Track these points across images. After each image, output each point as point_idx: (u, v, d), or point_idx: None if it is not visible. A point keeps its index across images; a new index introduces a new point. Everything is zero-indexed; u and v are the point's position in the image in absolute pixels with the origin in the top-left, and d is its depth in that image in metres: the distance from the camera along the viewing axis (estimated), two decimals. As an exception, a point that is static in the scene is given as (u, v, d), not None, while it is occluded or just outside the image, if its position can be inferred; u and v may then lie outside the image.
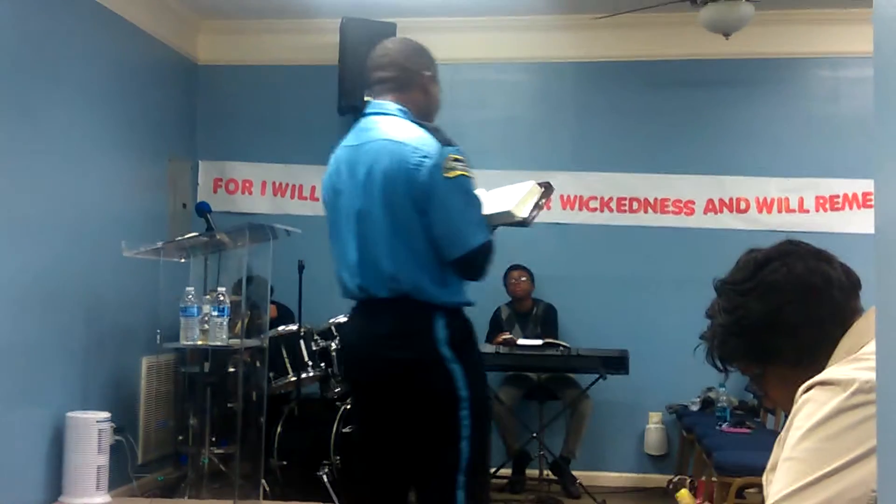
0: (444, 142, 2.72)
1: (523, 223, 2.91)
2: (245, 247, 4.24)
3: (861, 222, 5.95)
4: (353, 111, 6.37)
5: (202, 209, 5.19)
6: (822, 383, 1.37)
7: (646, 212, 6.37)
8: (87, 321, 5.20)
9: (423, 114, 2.90)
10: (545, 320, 6.16)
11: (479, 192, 2.78)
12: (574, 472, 5.90)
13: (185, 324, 4.25)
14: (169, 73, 6.31)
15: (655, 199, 6.38)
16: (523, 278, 6.15)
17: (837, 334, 1.51)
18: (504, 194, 2.99)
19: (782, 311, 1.56)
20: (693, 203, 6.34)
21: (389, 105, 2.84)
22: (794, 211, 6.22)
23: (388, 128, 2.77)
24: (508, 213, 2.89)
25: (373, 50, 2.99)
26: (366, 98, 3.03)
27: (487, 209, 2.80)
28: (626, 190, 6.39)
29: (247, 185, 6.67)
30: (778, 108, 6.32)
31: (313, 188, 6.62)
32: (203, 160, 6.69)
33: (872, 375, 1.29)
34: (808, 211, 6.21)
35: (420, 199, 2.63)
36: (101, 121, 5.39)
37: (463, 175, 2.66)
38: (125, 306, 5.50)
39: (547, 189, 3.03)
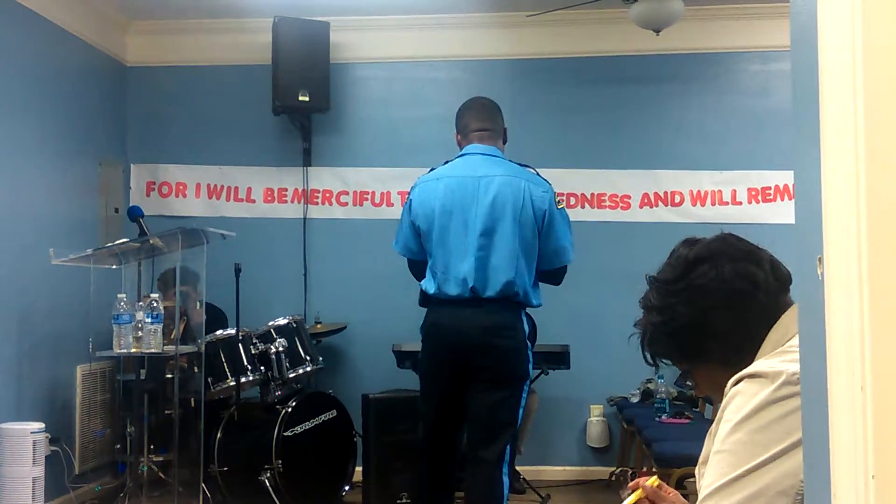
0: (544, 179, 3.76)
1: None
2: (178, 251, 4.18)
3: (792, 213, 6.03)
4: (287, 111, 6.33)
5: (134, 213, 5.10)
6: (750, 376, 1.40)
7: (583, 207, 6.41)
8: (19, 330, 5.08)
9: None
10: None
11: None
12: (518, 468, 5.92)
13: (117, 331, 4.17)
14: (97, 76, 6.19)
15: (592, 194, 6.43)
16: None
17: (764, 334, 1.53)
18: None
19: (710, 315, 1.59)
20: (629, 197, 6.40)
21: (495, 149, 3.79)
22: (727, 203, 6.32)
23: (504, 166, 3.73)
24: None
25: (471, 103, 3.96)
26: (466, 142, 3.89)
27: None
28: (562, 185, 6.40)
29: (181, 187, 6.57)
30: (709, 102, 6.41)
31: (249, 189, 6.55)
32: (135, 163, 6.57)
33: (797, 367, 1.33)
34: (740, 203, 6.31)
35: (541, 222, 3.62)
36: (28, 126, 5.27)
37: (563, 207, 3.72)
38: (57, 314, 5.38)
39: None
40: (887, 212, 0.84)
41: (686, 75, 6.40)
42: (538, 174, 3.79)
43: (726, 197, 6.33)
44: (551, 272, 3.75)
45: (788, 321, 1.53)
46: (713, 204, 6.33)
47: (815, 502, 0.95)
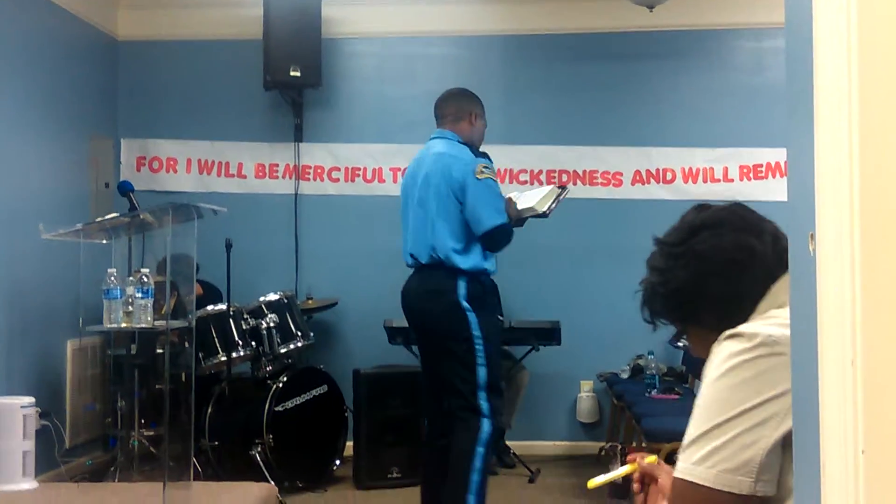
0: (479, 155, 4.00)
1: (544, 215, 4.02)
2: (169, 226, 4.16)
3: (784, 190, 6.04)
4: (278, 86, 6.29)
5: (125, 188, 5.07)
6: (731, 336, 1.48)
7: (575, 184, 6.40)
8: (9, 305, 5.07)
9: (467, 142, 4.07)
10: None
11: (514, 194, 4.10)
12: (508, 443, 5.95)
13: (108, 306, 4.15)
14: (88, 50, 6.14)
15: (584, 171, 6.42)
16: None
17: (755, 303, 1.58)
18: (531, 195, 4.11)
19: (705, 281, 1.64)
20: (621, 174, 6.40)
21: (447, 132, 4.09)
22: (718, 181, 6.32)
23: (442, 146, 4.04)
24: (533, 209, 4.01)
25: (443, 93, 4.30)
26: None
27: (521, 206, 4.00)
28: (555, 162, 6.42)
29: (171, 162, 6.54)
30: (702, 79, 6.40)
31: (240, 165, 6.52)
32: (125, 138, 6.53)
33: (776, 331, 1.43)
34: (732, 180, 6.32)
35: (458, 191, 3.87)
36: (18, 100, 5.23)
37: (488, 177, 3.89)
38: (47, 289, 5.37)
39: (563, 189, 4.22)
40: (880, 188, 0.84)
41: (679, 52, 6.39)
42: (476, 152, 4.04)
43: (718, 174, 6.33)
44: (481, 238, 3.91)
45: (776, 291, 1.58)
46: (705, 181, 6.33)
47: (805, 477, 0.96)
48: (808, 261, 0.92)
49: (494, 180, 3.95)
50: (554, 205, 4.08)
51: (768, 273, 1.61)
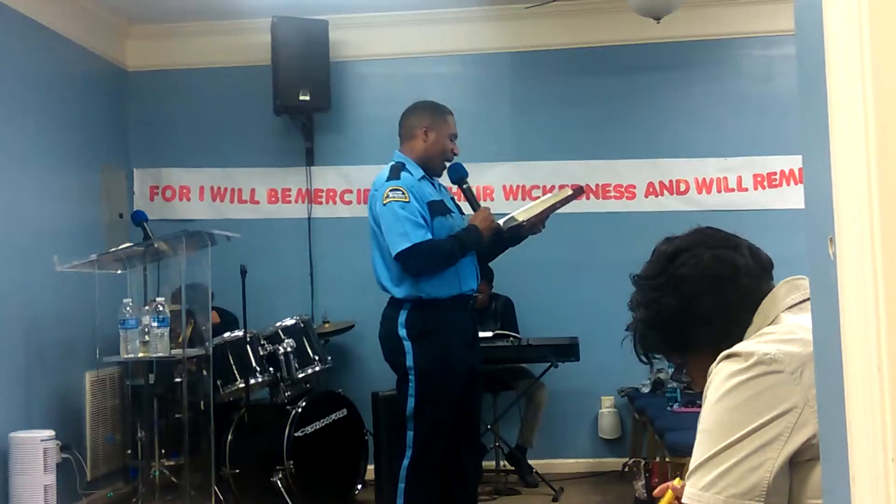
0: (394, 177, 3.75)
1: (521, 225, 3.81)
2: (183, 254, 4.16)
3: (798, 198, 6.01)
4: (288, 111, 6.31)
5: (138, 218, 5.10)
6: (728, 356, 1.47)
7: (588, 198, 6.38)
8: (26, 338, 5.08)
9: (421, 160, 3.87)
10: (504, 315, 6.14)
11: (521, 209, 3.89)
12: (530, 461, 5.91)
13: (124, 336, 4.16)
14: (98, 82, 6.18)
15: (597, 185, 6.41)
16: (481, 294, 5.97)
17: (750, 318, 1.59)
18: (531, 206, 3.92)
19: (695, 302, 1.63)
20: (634, 187, 6.38)
21: (395, 153, 3.92)
22: (732, 190, 6.29)
23: (380, 173, 3.86)
24: (513, 218, 3.83)
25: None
26: None
27: (518, 217, 3.82)
28: (567, 177, 6.39)
29: (184, 191, 6.57)
30: (712, 88, 6.38)
31: (253, 191, 6.54)
32: (137, 168, 6.57)
33: (772, 348, 1.43)
34: (746, 189, 6.28)
35: (375, 220, 3.75)
36: (29, 133, 5.27)
37: (394, 201, 3.67)
38: (64, 321, 5.38)
39: (576, 191, 4.01)
40: (900, 188, 0.82)
41: (688, 62, 6.37)
42: (392, 172, 3.80)
43: (732, 183, 6.30)
44: (399, 264, 3.72)
45: (767, 306, 1.58)
46: (719, 191, 6.30)
47: (834, 487, 0.93)
48: (828, 265, 0.90)
49: (403, 202, 3.69)
50: (548, 210, 3.88)
51: (755, 285, 1.61)
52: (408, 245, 3.63)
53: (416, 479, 3.72)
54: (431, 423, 3.73)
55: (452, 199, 4.03)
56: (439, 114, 3.95)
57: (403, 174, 3.77)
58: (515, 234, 3.89)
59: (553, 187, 6.39)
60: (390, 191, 3.71)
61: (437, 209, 3.79)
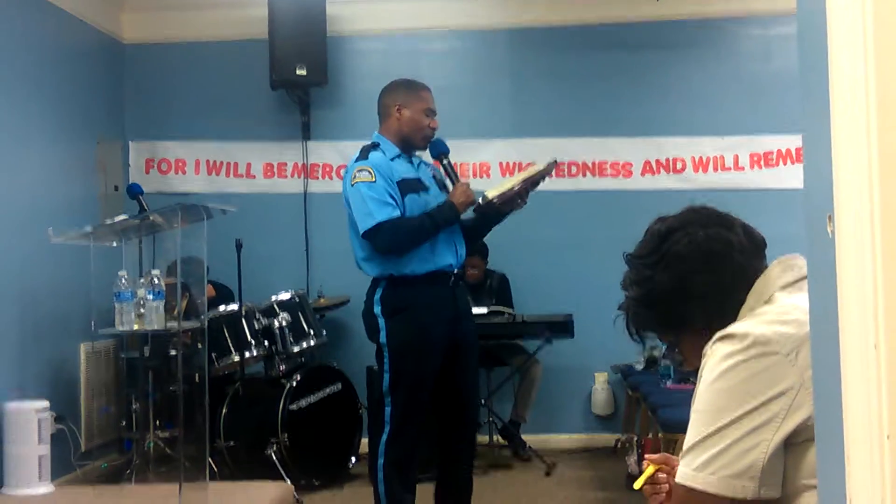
0: (363, 157, 3.78)
1: (492, 202, 3.75)
2: (178, 228, 4.16)
3: (794, 178, 6.03)
4: (285, 85, 6.29)
5: (134, 191, 5.08)
6: (723, 337, 1.48)
7: (584, 175, 6.39)
8: (21, 310, 5.07)
9: (399, 138, 3.86)
10: (500, 292, 6.15)
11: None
12: (523, 437, 5.94)
13: (119, 309, 4.15)
14: (94, 54, 6.14)
15: (593, 163, 6.40)
16: (475, 270, 6.01)
17: (743, 296, 1.58)
18: (507, 180, 4.01)
19: (688, 279, 1.63)
20: (630, 165, 6.38)
21: (374, 134, 3.92)
22: (729, 169, 6.29)
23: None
24: (483, 196, 3.78)
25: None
26: None
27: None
28: (564, 154, 6.38)
29: (180, 164, 6.55)
30: (711, 68, 6.37)
31: (249, 165, 6.52)
32: (133, 141, 6.54)
33: (767, 329, 1.43)
34: (742, 168, 6.28)
35: (346, 201, 3.81)
36: (25, 106, 5.24)
37: (360, 181, 3.71)
38: (59, 293, 5.38)
39: (549, 165, 3.87)
40: (900, 167, 0.83)
41: (687, 41, 6.35)
42: (362, 152, 3.84)
43: (728, 163, 6.30)
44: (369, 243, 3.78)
45: (761, 286, 1.58)
46: (715, 170, 6.30)
47: (829, 465, 0.94)
48: (826, 243, 0.91)
49: (369, 182, 3.71)
50: (522, 186, 3.77)
51: (748, 262, 1.61)
52: (373, 224, 3.67)
53: (394, 455, 3.73)
54: (406, 399, 3.75)
55: (436, 176, 3.98)
56: (412, 90, 3.94)
57: (373, 154, 3.79)
58: (495, 210, 3.85)
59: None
60: (357, 171, 3.75)
61: (409, 187, 3.77)
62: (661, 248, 1.65)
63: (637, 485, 1.82)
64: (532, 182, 3.82)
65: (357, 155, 3.85)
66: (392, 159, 3.81)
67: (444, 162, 3.92)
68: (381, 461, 3.74)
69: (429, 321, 3.74)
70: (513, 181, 3.81)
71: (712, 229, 1.63)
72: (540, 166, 3.85)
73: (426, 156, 4.04)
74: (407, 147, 3.87)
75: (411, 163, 3.89)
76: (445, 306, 3.79)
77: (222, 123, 6.51)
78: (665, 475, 1.71)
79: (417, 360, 3.75)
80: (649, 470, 1.76)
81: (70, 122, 5.74)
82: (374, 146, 3.85)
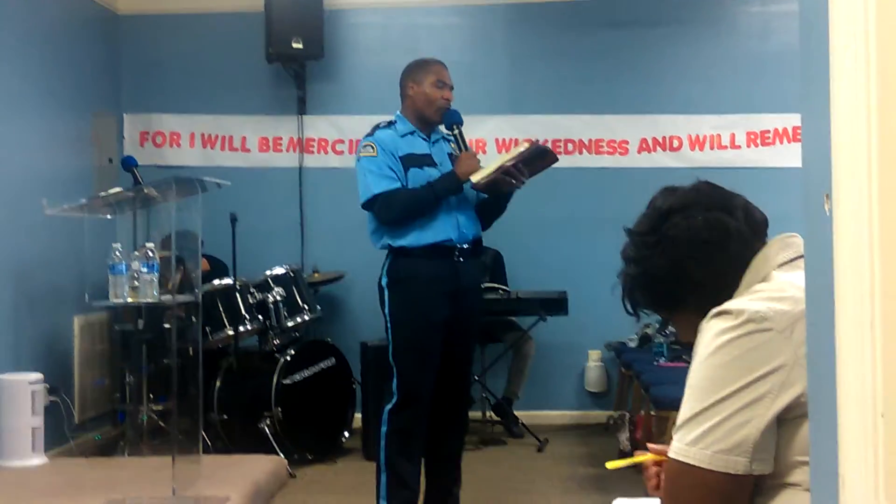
0: (369, 134, 3.88)
1: (476, 185, 3.76)
2: (173, 201, 4.14)
3: (791, 156, 6.03)
4: (281, 59, 6.25)
5: (128, 163, 5.07)
6: (718, 313, 1.48)
7: (580, 153, 6.37)
8: (15, 281, 5.07)
9: (415, 114, 3.91)
10: (494, 268, 6.15)
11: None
12: (516, 413, 5.96)
13: (113, 281, 4.14)
14: (89, 25, 6.10)
15: (590, 140, 6.39)
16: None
17: (738, 279, 1.58)
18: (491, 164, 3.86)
19: (684, 266, 1.63)
20: (627, 143, 6.37)
21: (395, 112, 3.99)
22: (725, 147, 6.28)
23: None
24: (468, 179, 3.77)
25: None
26: None
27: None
28: (560, 131, 6.38)
29: (175, 137, 6.52)
30: (708, 45, 6.35)
31: (244, 139, 6.50)
32: (128, 113, 6.51)
33: (762, 306, 1.44)
34: (739, 147, 6.28)
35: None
36: (19, 77, 5.21)
37: (363, 156, 3.82)
38: (53, 265, 5.37)
39: (533, 145, 3.88)
40: (899, 145, 0.82)
41: (685, 18, 6.33)
42: (372, 129, 3.92)
43: (725, 141, 6.29)
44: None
45: (759, 264, 1.59)
46: (712, 148, 6.29)
47: (822, 442, 0.94)
48: (823, 221, 0.90)
49: (371, 156, 3.81)
50: (495, 168, 3.72)
51: (746, 247, 1.61)
52: (369, 195, 3.77)
53: (398, 425, 3.76)
54: (409, 370, 3.80)
55: (452, 154, 3.94)
56: (421, 65, 4.00)
57: (380, 131, 3.88)
58: (493, 191, 3.84)
59: (546, 141, 6.37)
60: (362, 147, 3.87)
61: (413, 161, 3.80)
62: (660, 228, 1.65)
63: (611, 465, 1.84)
64: (522, 162, 3.76)
65: (367, 131, 3.95)
66: (403, 136, 3.86)
67: (456, 132, 3.92)
68: (384, 429, 3.77)
69: (426, 294, 3.77)
70: (492, 166, 3.78)
71: (713, 214, 1.62)
72: (520, 148, 3.82)
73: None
74: (423, 122, 3.91)
75: (427, 140, 3.92)
76: (445, 280, 3.78)
77: (217, 96, 6.48)
78: (657, 468, 1.70)
79: (415, 332, 3.79)
80: (639, 458, 1.76)
81: (64, 94, 5.70)
82: (390, 123, 3.92)
